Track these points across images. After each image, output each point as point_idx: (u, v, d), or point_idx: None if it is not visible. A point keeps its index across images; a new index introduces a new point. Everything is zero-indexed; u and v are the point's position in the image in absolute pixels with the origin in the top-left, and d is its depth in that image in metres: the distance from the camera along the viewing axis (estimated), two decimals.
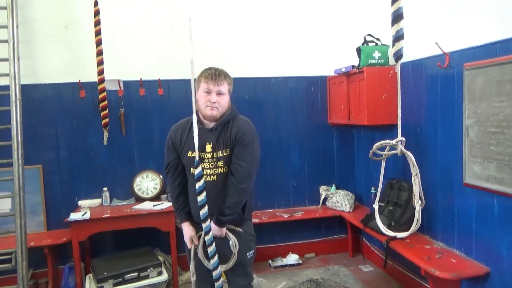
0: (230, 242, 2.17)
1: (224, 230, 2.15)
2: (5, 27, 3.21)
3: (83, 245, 3.50)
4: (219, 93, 2.09)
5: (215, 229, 2.12)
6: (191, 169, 2.13)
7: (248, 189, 2.12)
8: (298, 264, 3.93)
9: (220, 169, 2.11)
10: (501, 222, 2.37)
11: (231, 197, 2.08)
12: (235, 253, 2.16)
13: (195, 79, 2.10)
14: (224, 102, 2.11)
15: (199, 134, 2.11)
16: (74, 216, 3.29)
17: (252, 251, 2.29)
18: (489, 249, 2.47)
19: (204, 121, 2.16)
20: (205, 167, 2.11)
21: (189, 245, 2.24)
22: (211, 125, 2.14)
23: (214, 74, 2.08)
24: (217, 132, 2.12)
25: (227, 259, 2.18)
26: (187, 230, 2.23)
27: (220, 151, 2.11)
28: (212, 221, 2.11)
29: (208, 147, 2.11)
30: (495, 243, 2.42)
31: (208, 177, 2.11)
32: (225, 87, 2.11)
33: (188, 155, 2.14)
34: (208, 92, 2.08)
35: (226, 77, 2.13)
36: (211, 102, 2.07)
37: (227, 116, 2.14)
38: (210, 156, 2.11)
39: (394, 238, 2.96)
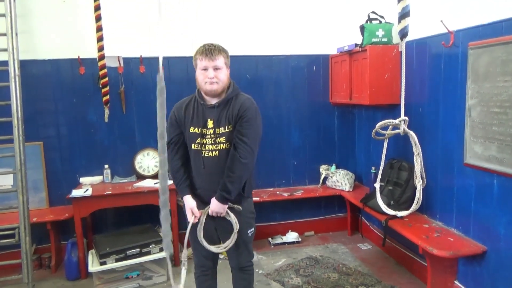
0: (231, 221, 2.18)
1: (225, 207, 2.16)
2: (2, 0, 3.14)
3: (85, 222, 3.54)
4: (216, 68, 2.08)
5: (216, 206, 2.13)
6: (193, 144, 2.15)
7: (250, 164, 2.12)
8: (298, 242, 3.99)
9: (222, 145, 2.12)
10: (500, 202, 2.40)
11: (234, 172, 2.08)
12: (236, 232, 2.18)
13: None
14: (222, 75, 2.11)
15: (201, 111, 2.14)
16: (76, 192, 3.32)
17: (253, 228, 2.32)
18: (487, 228, 2.50)
19: (206, 97, 2.16)
20: (207, 142, 2.12)
21: (189, 217, 2.22)
22: (213, 101, 2.15)
23: (208, 50, 2.07)
24: (220, 109, 2.13)
25: (226, 238, 2.20)
26: (189, 201, 2.21)
27: (222, 127, 2.11)
28: (214, 198, 2.13)
29: (210, 123, 2.12)
30: (492, 222, 2.45)
31: (210, 152, 2.12)
32: (221, 61, 2.10)
33: (191, 131, 2.15)
34: (206, 69, 2.08)
35: (220, 51, 2.11)
36: (209, 78, 2.07)
37: (229, 94, 2.14)
38: (212, 132, 2.12)
39: (394, 217, 2.99)
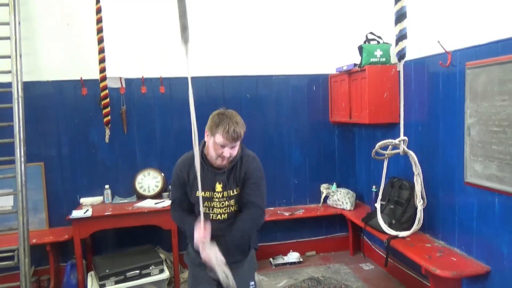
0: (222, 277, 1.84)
1: (221, 257, 1.86)
2: (7, 24, 3.20)
3: (85, 243, 3.51)
4: (233, 147, 1.96)
5: (214, 252, 1.87)
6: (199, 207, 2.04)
7: (260, 224, 2.06)
8: (299, 262, 3.95)
9: (231, 207, 2.05)
10: (502, 221, 2.38)
11: (245, 230, 2.02)
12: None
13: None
14: (236, 152, 1.99)
15: (207, 174, 2.01)
16: (76, 213, 3.30)
17: (253, 282, 2.20)
18: (490, 248, 2.48)
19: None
20: (216, 206, 2.05)
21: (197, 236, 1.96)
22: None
23: (234, 133, 1.90)
24: (227, 172, 2.04)
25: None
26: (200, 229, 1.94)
27: (231, 190, 2.04)
28: (217, 246, 1.92)
29: (219, 187, 2.04)
30: (495, 242, 2.43)
31: (219, 215, 2.05)
32: (239, 141, 1.98)
33: (197, 195, 1.99)
34: (223, 146, 1.93)
35: (242, 133, 1.96)
36: (224, 156, 1.94)
37: (237, 158, 2.04)
38: (220, 196, 2.04)
39: (396, 237, 2.97)
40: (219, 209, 2.05)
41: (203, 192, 1.97)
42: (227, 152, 1.93)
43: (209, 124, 1.96)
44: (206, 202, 2.03)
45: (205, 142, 2.04)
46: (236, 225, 2.01)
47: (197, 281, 2.16)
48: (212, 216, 2.05)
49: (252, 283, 2.19)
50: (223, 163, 1.97)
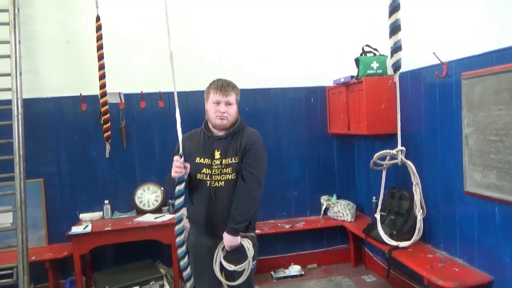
0: (245, 247, 2.16)
1: (239, 239, 2.15)
2: (8, 42, 3.25)
3: (84, 259, 3.48)
4: (227, 103, 2.18)
5: (230, 240, 2.12)
6: (198, 174, 2.18)
7: (258, 196, 2.17)
8: (301, 275, 3.91)
9: (228, 175, 2.16)
10: (503, 230, 2.37)
11: (243, 203, 2.12)
12: (250, 259, 2.16)
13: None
14: (232, 111, 2.20)
15: (208, 142, 2.21)
16: (75, 229, 3.29)
17: (255, 261, 2.29)
18: (492, 257, 2.47)
19: (214, 130, 2.23)
20: (214, 173, 2.16)
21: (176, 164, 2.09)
22: (221, 133, 2.21)
23: (222, 86, 2.18)
24: (227, 141, 2.20)
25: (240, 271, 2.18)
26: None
27: (229, 158, 2.17)
28: (225, 233, 2.13)
29: (217, 154, 2.18)
30: (497, 251, 2.42)
31: (216, 182, 2.16)
32: (233, 97, 2.21)
33: (197, 161, 2.20)
34: (217, 103, 2.16)
35: (234, 88, 2.24)
36: (220, 112, 2.15)
37: (236, 127, 2.22)
38: (218, 163, 2.17)
39: (397, 247, 2.95)
40: (217, 176, 2.16)
41: (202, 159, 2.15)
42: (223, 108, 2.15)
43: (205, 91, 2.24)
44: (205, 169, 2.16)
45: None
46: (234, 201, 2.13)
47: (198, 264, 2.26)
48: (210, 183, 2.16)
49: (253, 263, 2.25)
50: (222, 122, 2.16)
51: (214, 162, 2.17)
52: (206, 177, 2.17)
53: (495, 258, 2.44)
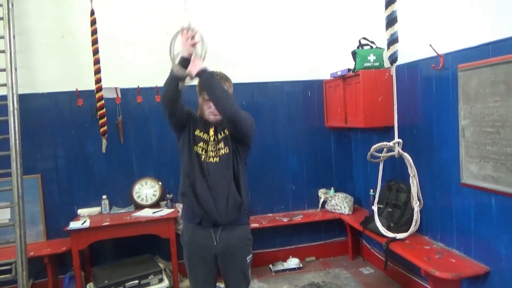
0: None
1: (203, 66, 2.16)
2: (2, 37, 3.22)
3: (83, 254, 3.49)
4: None
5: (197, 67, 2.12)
6: (195, 147, 2.18)
7: (239, 112, 2.07)
8: (299, 268, 3.93)
9: (222, 150, 2.18)
10: (499, 221, 2.39)
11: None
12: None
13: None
14: None
15: (203, 125, 2.23)
16: (73, 224, 3.29)
17: (251, 255, 2.29)
18: (488, 248, 2.49)
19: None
20: (209, 149, 2.18)
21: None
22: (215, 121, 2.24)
23: None
24: (218, 122, 2.23)
25: (229, 274, 2.22)
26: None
27: (219, 133, 2.20)
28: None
29: (211, 131, 2.20)
30: (494, 242, 2.44)
31: (212, 158, 2.18)
32: None
33: (196, 133, 2.21)
34: (209, 100, 2.11)
35: (226, 81, 2.20)
36: (213, 109, 2.13)
37: None
38: (213, 139, 2.19)
39: (394, 239, 2.97)
40: (212, 152, 2.18)
41: (201, 133, 2.21)
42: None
43: (197, 85, 2.22)
44: (202, 144, 2.19)
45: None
46: None
47: (192, 262, 2.24)
48: (205, 158, 2.18)
49: (248, 257, 2.28)
50: (216, 117, 2.18)
51: (210, 138, 2.19)
52: (202, 151, 2.18)
53: (491, 249, 2.46)
